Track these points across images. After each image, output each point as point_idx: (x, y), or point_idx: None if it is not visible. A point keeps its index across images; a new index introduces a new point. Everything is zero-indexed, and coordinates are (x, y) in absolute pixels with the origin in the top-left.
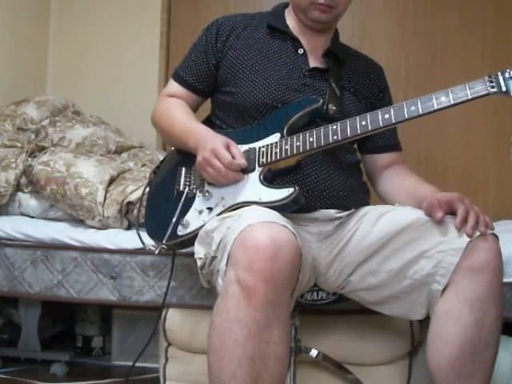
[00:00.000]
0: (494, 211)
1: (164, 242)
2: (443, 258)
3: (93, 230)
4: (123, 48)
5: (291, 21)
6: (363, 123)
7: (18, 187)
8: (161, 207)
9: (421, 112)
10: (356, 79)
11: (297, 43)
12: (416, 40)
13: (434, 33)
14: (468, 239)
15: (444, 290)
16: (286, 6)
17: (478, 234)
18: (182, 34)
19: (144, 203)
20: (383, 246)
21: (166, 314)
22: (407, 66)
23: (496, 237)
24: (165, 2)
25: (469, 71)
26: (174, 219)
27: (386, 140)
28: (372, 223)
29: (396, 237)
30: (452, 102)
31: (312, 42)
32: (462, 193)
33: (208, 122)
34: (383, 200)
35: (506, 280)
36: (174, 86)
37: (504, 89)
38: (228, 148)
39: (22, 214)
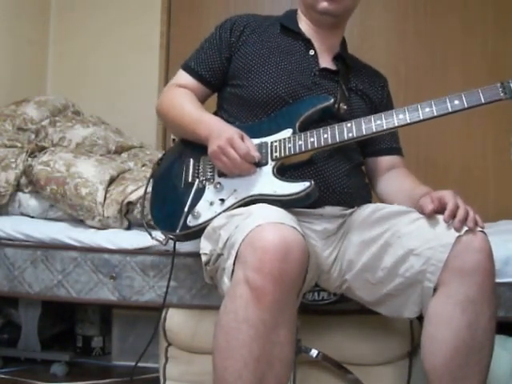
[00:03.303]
0: (494, 211)
1: (177, 231)
2: (432, 255)
3: (93, 229)
4: (123, 48)
5: (303, 24)
6: (378, 122)
7: (18, 187)
8: (167, 199)
9: (435, 113)
10: (362, 83)
11: (308, 44)
12: (416, 40)
13: (434, 33)
14: (456, 234)
15: (436, 290)
16: (297, 10)
17: (465, 229)
18: (182, 34)
19: (148, 196)
20: (375, 240)
21: (166, 314)
22: (407, 67)
23: (485, 236)
24: (165, 3)
25: (469, 72)
26: (185, 209)
27: (388, 143)
28: (367, 217)
29: (387, 231)
30: (466, 106)
31: (323, 43)
32: (462, 193)
33: None
34: (382, 202)
35: (505, 280)
36: (183, 77)
37: None
38: (242, 140)
39: (22, 214)
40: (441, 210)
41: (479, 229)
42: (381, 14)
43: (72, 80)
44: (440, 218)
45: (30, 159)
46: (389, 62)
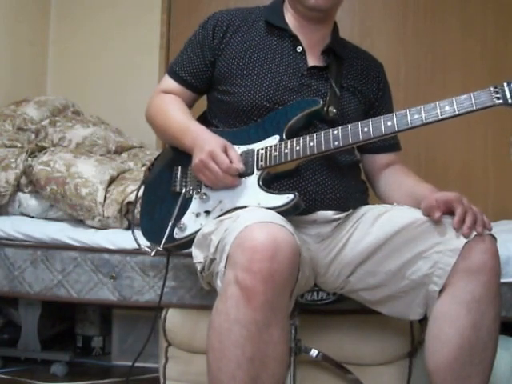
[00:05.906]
0: (494, 211)
1: (161, 245)
2: (440, 258)
3: (93, 230)
4: (123, 48)
5: (289, 16)
6: (365, 130)
7: (18, 187)
8: (156, 208)
9: (424, 121)
10: (355, 77)
11: (295, 41)
12: (416, 40)
13: (434, 33)
14: (465, 240)
15: (441, 291)
16: (284, 0)
17: (474, 234)
18: (182, 34)
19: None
20: (381, 247)
21: (166, 314)
22: (407, 66)
23: (493, 238)
24: (165, 3)
25: (468, 71)
26: (170, 222)
27: (385, 140)
28: (370, 224)
29: (394, 237)
30: (456, 112)
31: (311, 37)
32: (462, 193)
33: (203, 119)
34: (382, 200)
35: (506, 280)
36: (168, 82)
37: (510, 101)
38: (225, 151)
39: (22, 214)
40: (447, 212)
41: (487, 232)
42: (381, 14)
43: (72, 80)
44: (447, 221)
45: (30, 159)
46: (389, 62)
